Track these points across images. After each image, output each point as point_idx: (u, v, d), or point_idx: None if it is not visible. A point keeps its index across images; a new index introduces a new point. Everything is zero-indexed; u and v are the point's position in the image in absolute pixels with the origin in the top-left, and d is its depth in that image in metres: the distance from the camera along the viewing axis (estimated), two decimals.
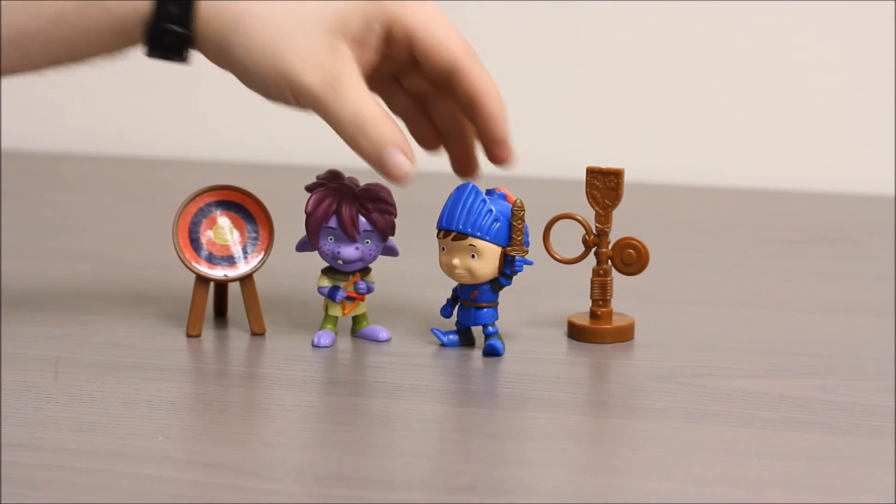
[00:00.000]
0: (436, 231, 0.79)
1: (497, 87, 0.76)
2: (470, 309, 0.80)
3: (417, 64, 0.77)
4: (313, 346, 0.80)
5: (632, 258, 0.83)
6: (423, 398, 0.73)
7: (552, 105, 1.44)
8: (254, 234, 0.82)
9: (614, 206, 0.83)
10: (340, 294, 0.81)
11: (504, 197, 0.79)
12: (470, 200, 0.77)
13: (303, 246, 0.81)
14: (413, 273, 0.95)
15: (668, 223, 1.20)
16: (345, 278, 0.81)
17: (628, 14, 1.42)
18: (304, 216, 0.79)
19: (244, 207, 0.82)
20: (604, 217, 0.83)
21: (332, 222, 0.79)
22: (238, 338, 0.82)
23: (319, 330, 0.81)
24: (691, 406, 0.72)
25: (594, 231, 0.83)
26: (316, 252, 0.80)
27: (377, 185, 0.80)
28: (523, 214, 0.77)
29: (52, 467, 0.62)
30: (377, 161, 0.74)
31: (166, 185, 1.32)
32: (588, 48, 1.43)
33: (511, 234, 0.77)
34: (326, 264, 0.81)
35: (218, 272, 0.81)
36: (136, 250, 1.05)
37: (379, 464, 0.64)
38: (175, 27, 0.73)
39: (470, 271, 0.78)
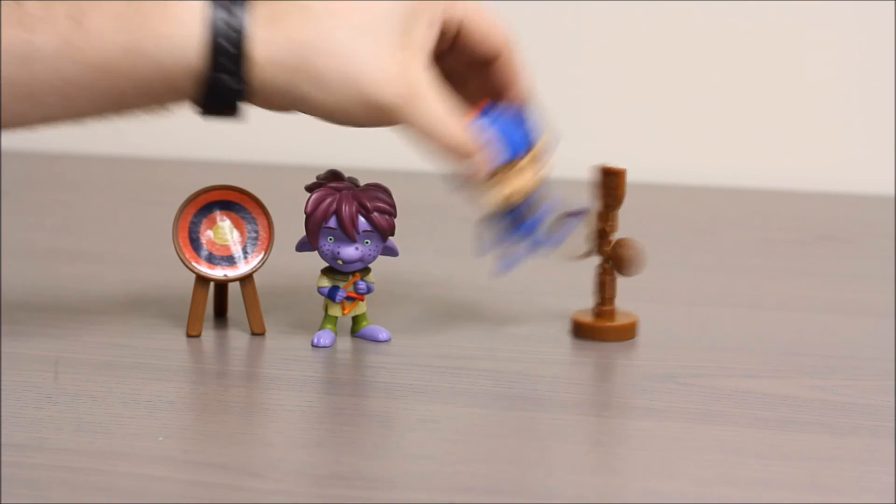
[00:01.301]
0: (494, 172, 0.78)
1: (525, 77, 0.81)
2: (524, 222, 0.80)
3: (455, 49, 0.78)
4: (313, 345, 0.80)
5: (625, 260, 0.83)
6: (423, 398, 0.73)
7: (552, 105, 1.44)
8: (254, 234, 0.82)
9: (616, 206, 0.83)
10: (340, 294, 0.81)
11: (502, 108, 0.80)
12: (511, 124, 0.79)
13: (302, 246, 0.81)
14: (413, 273, 0.95)
15: (668, 223, 1.20)
16: (344, 278, 0.81)
17: (628, 14, 1.42)
18: (304, 216, 0.79)
19: (244, 207, 0.82)
20: (605, 216, 0.83)
21: (332, 222, 0.79)
22: (238, 338, 0.82)
23: (319, 330, 0.81)
24: (691, 406, 0.72)
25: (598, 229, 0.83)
26: (316, 252, 0.80)
27: (377, 185, 0.80)
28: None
29: (52, 467, 0.62)
30: (458, 163, 0.76)
31: (166, 185, 1.32)
32: (588, 48, 1.43)
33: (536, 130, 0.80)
34: (326, 264, 0.81)
35: (218, 272, 0.81)
36: (136, 250, 1.05)
37: (379, 464, 0.64)
38: (229, 79, 0.72)
39: (529, 186, 0.79)
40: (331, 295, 0.81)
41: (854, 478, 0.63)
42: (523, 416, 0.71)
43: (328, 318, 0.82)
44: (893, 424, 0.69)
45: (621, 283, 0.86)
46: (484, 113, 0.78)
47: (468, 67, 0.80)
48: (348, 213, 0.78)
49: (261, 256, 0.82)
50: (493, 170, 0.78)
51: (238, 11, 0.71)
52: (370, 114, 0.73)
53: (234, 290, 0.85)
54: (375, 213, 0.79)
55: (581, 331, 0.83)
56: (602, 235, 0.83)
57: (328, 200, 0.79)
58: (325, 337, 0.81)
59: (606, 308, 0.84)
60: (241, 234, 0.82)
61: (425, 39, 0.74)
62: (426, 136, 0.74)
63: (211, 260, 0.81)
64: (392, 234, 0.80)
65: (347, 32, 0.72)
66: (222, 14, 0.71)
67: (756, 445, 0.66)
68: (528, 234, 0.80)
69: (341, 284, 0.81)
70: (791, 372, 0.78)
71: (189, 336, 0.82)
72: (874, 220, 1.24)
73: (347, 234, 0.78)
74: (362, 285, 0.81)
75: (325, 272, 0.81)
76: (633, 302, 0.88)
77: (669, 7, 1.41)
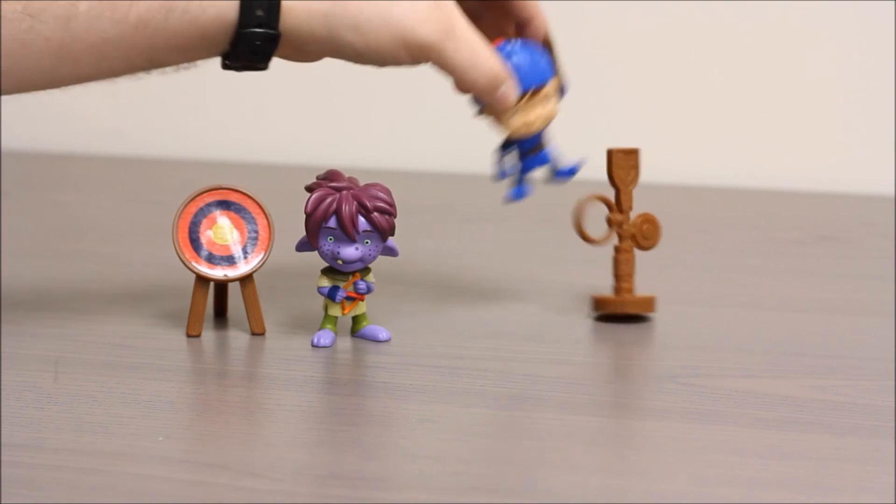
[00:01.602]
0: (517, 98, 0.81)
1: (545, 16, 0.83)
2: (541, 152, 0.84)
3: None
4: (313, 346, 0.80)
5: (650, 232, 0.86)
6: (423, 398, 0.73)
7: None
8: (254, 234, 0.82)
9: (635, 184, 0.86)
10: (340, 294, 0.80)
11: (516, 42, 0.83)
12: (536, 52, 0.82)
13: (302, 246, 0.81)
14: (413, 273, 0.95)
15: (668, 223, 1.20)
16: (344, 278, 0.81)
17: (628, 14, 1.42)
18: (304, 216, 0.79)
19: (244, 207, 0.82)
20: (626, 195, 0.86)
21: (332, 222, 0.79)
22: (238, 338, 0.82)
23: (319, 330, 0.81)
24: (691, 406, 0.72)
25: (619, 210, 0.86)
26: (316, 252, 0.80)
27: (377, 185, 0.80)
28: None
29: (52, 467, 0.62)
30: (490, 94, 0.79)
31: (166, 185, 1.32)
32: (588, 48, 1.43)
33: (555, 65, 0.84)
34: (326, 264, 0.81)
35: (218, 272, 0.81)
36: (136, 250, 1.05)
37: (379, 464, 0.64)
38: (263, 29, 0.74)
39: (551, 114, 0.83)
40: (331, 295, 0.81)
41: (854, 478, 0.63)
42: (523, 417, 0.71)
43: (328, 318, 0.82)
44: (893, 424, 0.69)
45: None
46: (502, 48, 0.81)
47: (484, 5, 0.83)
48: (348, 212, 0.78)
49: (261, 256, 0.82)
50: (518, 96, 0.81)
51: None
52: (409, 52, 0.76)
53: (234, 290, 0.85)
54: (375, 213, 0.79)
55: (602, 305, 0.85)
56: (624, 214, 0.86)
57: (328, 200, 0.78)
58: (325, 337, 0.81)
59: (625, 285, 0.86)
60: (241, 234, 0.82)
61: None
62: (463, 69, 0.77)
63: (211, 260, 0.81)
64: (392, 234, 0.80)
65: None
66: None
67: (756, 445, 0.66)
68: (542, 164, 0.84)
69: (341, 284, 0.81)
70: (791, 372, 0.78)
71: (189, 336, 0.82)
72: (874, 220, 1.24)
73: (347, 234, 0.78)
74: (362, 285, 0.81)
75: (325, 272, 0.81)
76: None
77: (670, 7, 1.41)
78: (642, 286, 0.88)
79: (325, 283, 0.81)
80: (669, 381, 0.75)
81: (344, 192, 0.79)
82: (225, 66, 0.77)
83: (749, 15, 1.40)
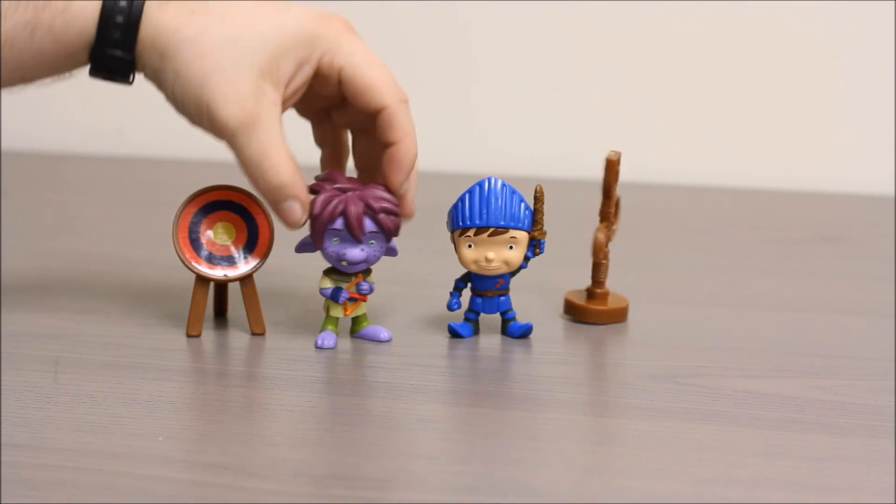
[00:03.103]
0: (456, 230, 0.79)
1: (415, 141, 0.78)
2: (494, 298, 0.82)
3: (346, 102, 0.79)
4: (317, 347, 0.80)
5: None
6: (423, 398, 0.73)
7: (551, 106, 1.44)
8: (254, 235, 0.82)
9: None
10: (343, 295, 0.80)
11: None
12: (505, 194, 0.80)
13: (303, 247, 0.81)
14: (413, 273, 0.95)
15: (668, 223, 1.20)
16: (347, 279, 0.81)
17: (628, 13, 1.42)
18: (310, 218, 0.79)
19: (244, 207, 0.82)
20: (611, 202, 0.86)
21: (339, 224, 0.78)
22: (238, 338, 0.82)
23: (321, 332, 0.81)
24: (691, 406, 0.72)
25: (609, 217, 0.86)
26: (315, 252, 0.80)
27: (379, 185, 0.79)
28: (544, 198, 0.81)
29: (52, 467, 0.62)
30: (273, 205, 0.76)
31: (166, 185, 1.32)
32: (588, 48, 1.43)
33: (535, 218, 0.81)
34: (327, 265, 0.81)
35: (218, 272, 0.81)
36: (136, 250, 1.05)
37: (379, 464, 0.64)
38: (118, 52, 0.75)
39: (507, 262, 0.80)
40: (334, 296, 0.81)
41: (854, 478, 0.63)
42: (523, 416, 0.71)
43: (329, 320, 0.82)
44: (893, 424, 0.69)
45: (620, 281, 0.86)
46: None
47: (361, 126, 0.80)
48: (355, 214, 0.78)
49: (261, 257, 0.82)
50: (473, 228, 0.79)
51: None
52: (209, 124, 0.75)
53: (234, 290, 0.85)
54: (382, 214, 0.78)
55: (575, 313, 0.86)
56: (606, 219, 0.86)
57: (335, 202, 0.78)
58: (328, 339, 0.81)
59: (598, 290, 0.86)
60: (241, 234, 0.82)
61: (290, 75, 0.76)
62: (250, 166, 0.75)
63: (211, 260, 0.81)
64: (397, 235, 0.80)
65: (223, 44, 0.74)
66: None
67: (756, 445, 0.67)
68: (492, 311, 0.83)
69: (344, 285, 0.81)
70: (791, 372, 0.78)
71: (189, 336, 0.82)
72: (874, 220, 1.24)
73: (354, 235, 0.78)
74: (365, 286, 0.81)
75: (328, 273, 0.81)
76: (633, 301, 0.88)
77: (670, 7, 1.41)
78: (642, 286, 0.88)
79: (328, 284, 0.81)
80: (669, 381, 0.76)
81: (350, 193, 0.78)
82: (91, 76, 0.78)
83: (749, 14, 1.40)
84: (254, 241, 0.82)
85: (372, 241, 0.79)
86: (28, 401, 0.70)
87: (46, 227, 1.15)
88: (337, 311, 0.81)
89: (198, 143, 1.49)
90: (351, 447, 0.66)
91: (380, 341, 0.82)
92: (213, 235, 0.82)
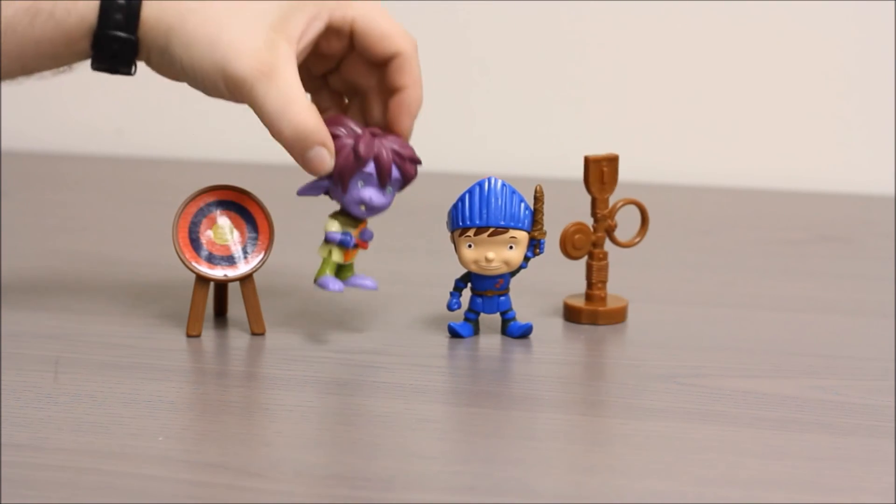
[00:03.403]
0: (456, 230, 0.79)
1: (422, 88, 0.79)
2: (494, 298, 0.82)
3: (347, 60, 0.79)
4: (326, 289, 0.79)
5: (581, 242, 0.85)
6: (422, 398, 0.73)
7: (551, 106, 1.44)
8: (254, 234, 0.82)
9: (612, 192, 0.86)
10: (351, 241, 0.79)
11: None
12: (505, 193, 0.80)
13: (308, 190, 0.79)
14: (413, 273, 0.95)
15: (668, 223, 1.20)
16: (354, 225, 0.80)
17: (627, 13, 1.42)
18: (342, 157, 0.77)
19: (244, 207, 0.82)
20: (604, 203, 0.85)
21: (370, 168, 0.78)
22: (238, 338, 0.82)
23: (322, 276, 0.80)
24: (691, 406, 0.72)
25: (597, 217, 0.86)
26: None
27: (393, 134, 0.79)
28: (543, 198, 0.80)
29: (52, 467, 0.62)
30: (299, 154, 0.76)
31: (166, 185, 1.32)
32: (588, 48, 1.43)
33: (535, 218, 0.80)
34: (335, 209, 0.79)
35: (218, 272, 0.81)
36: (136, 250, 1.05)
37: (379, 464, 0.64)
38: (121, 33, 0.75)
39: (507, 262, 0.80)
40: (343, 242, 0.79)
41: (854, 478, 0.63)
42: (523, 416, 0.71)
43: (328, 265, 0.80)
44: (893, 424, 0.69)
45: (620, 281, 0.86)
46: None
47: (370, 73, 0.80)
48: (387, 158, 0.77)
49: (261, 256, 0.82)
50: (475, 228, 0.78)
51: None
52: (226, 83, 0.75)
53: (234, 290, 0.85)
54: (408, 162, 0.78)
55: (572, 315, 0.86)
56: (600, 221, 0.85)
57: (368, 142, 0.77)
58: (332, 283, 0.79)
59: (597, 293, 0.86)
60: (241, 234, 0.82)
61: (303, 29, 0.75)
62: (271, 116, 0.75)
63: (211, 260, 0.81)
64: (410, 182, 0.79)
65: (230, 7, 0.74)
66: None
67: (756, 445, 0.66)
68: (491, 312, 0.83)
69: (352, 231, 0.80)
70: (791, 372, 0.78)
71: (189, 336, 0.82)
72: (874, 220, 1.24)
73: (383, 179, 0.77)
74: (368, 233, 0.80)
75: (336, 217, 0.80)
76: (633, 301, 0.88)
77: (669, 7, 1.41)
78: (642, 286, 0.88)
79: (336, 227, 0.80)
80: (669, 381, 0.75)
81: (379, 138, 0.78)
82: (94, 68, 0.78)
83: (749, 14, 1.40)
84: (254, 241, 0.82)
85: (390, 188, 0.78)
86: (28, 401, 0.70)
87: (46, 227, 1.15)
88: (338, 257, 0.80)
89: (198, 143, 1.50)
90: (351, 447, 0.66)
91: (365, 289, 0.81)
92: (213, 235, 0.82)
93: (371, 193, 0.78)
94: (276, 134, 0.75)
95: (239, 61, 0.74)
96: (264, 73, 0.74)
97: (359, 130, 0.78)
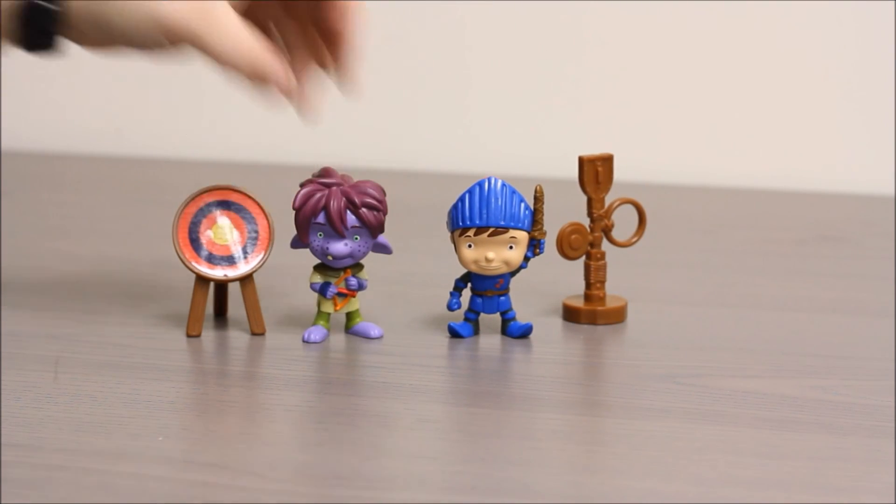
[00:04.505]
0: (456, 230, 0.79)
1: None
2: (494, 298, 0.82)
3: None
4: (304, 341, 0.80)
5: (578, 243, 0.85)
6: (423, 398, 0.73)
7: (551, 105, 1.44)
8: (254, 234, 0.82)
9: (607, 191, 0.86)
10: (331, 290, 0.81)
11: None
12: (505, 193, 0.80)
13: (297, 243, 0.81)
14: (413, 273, 0.95)
15: (668, 223, 1.20)
16: (336, 274, 0.81)
17: (628, 13, 1.42)
18: (294, 213, 0.79)
19: (244, 207, 0.82)
20: (600, 203, 0.85)
21: (321, 218, 0.79)
22: (238, 338, 0.82)
23: (312, 326, 0.81)
24: (691, 406, 0.72)
25: (593, 217, 0.86)
26: (308, 248, 0.80)
27: (369, 182, 0.80)
28: (543, 198, 0.80)
29: (52, 467, 0.62)
30: (258, 84, 0.76)
31: (166, 185, 1.32)
32: (588, 47, 1.43)
33: (535, 218, 0.80)
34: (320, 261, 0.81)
35: (218, 272, 0.81)
36: (136, 250, 1.05)
37: (379, 464, 0.64)
38: (47, 4, 0.74)
39: (507, 262, 0.80)
40: (322, 291, 0.81)
41: (854, 478, 0.63)
42: (523, 416, 0.71)
43: (321, 315, 0.82)
44: (893, 424, 0.69)
45: (619, 281, 0.86)
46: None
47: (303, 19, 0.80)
48: (336, 208, 0.78)
49: (261, 256, 0.82)
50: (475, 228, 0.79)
51: None
52: (165, 34, 0.74)
53: (234, 290, 0.85)
54: (364, 209, 0.79)
55: (572, 316, 0.86)
56: (597, 221, 0.85)
57: (317, 196, 0.79)
58: (315, 333, 0.81)
59: (596, 293, 0.86)
60: (241, 234, 0.82)
61: None
62: (220, 53, 0.75)
63: (211, 260, 0.81)
64: (381, 231, 0.80)
65: None
66: None
67: (756, 445, 0.66)
68: (492, 311, 0.83)
69: (333, 280, 0.81)
70: (791, 372, 0.78)
71: (189, 336, 0.82)
72: (874, 220, 1.24)
73: (336, 229, 0.78)
74: (353, 282, 0.81)
75: (318, 268, 0.81)
76: (633, 301, 0.88)
77: (669, 7, 1.41)
78: (641, 286, 0.88)
79: (318, 279, 0.81)
80: (669, 381, 0.75)
81: (333, 187, 0.79)
82: (26, 49, 0.76)
83: (749, 14, 1.40)
84: (254, 241, 0.82)
85: (356, 237, 0.79)
86: (28, 401, 0.70)
87: (46, 227, 1.15)
88: (327, 307, 0.81)
89: (198, 143, 1.50)
90: (351, 447, 0.66)
91: (370, 338, 0.82)
92: (213, 235, 0.82)
93: (329, 243, 0.79)
94: (233, 69, 0.75)
95: (175, 10, 0.74)
96: (199, 11, 0.74)
97: (333, 181, 0.79)
